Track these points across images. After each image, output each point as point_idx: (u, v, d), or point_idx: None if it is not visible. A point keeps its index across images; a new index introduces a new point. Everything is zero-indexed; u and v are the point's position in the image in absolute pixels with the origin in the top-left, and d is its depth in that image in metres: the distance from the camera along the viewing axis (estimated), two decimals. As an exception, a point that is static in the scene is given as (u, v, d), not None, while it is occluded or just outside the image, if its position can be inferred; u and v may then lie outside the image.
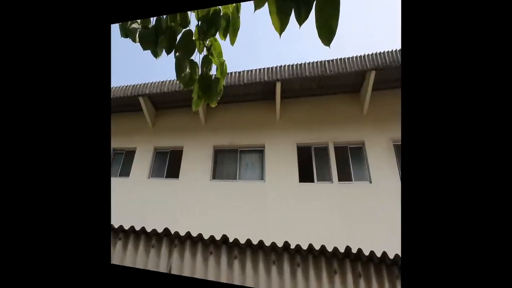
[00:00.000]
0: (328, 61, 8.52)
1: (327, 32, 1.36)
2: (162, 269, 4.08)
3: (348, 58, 8.42)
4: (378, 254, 3.69)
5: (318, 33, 1.37)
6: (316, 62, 8.63)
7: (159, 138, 12.31)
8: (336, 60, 8.46)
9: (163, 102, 12.44)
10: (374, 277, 3.62)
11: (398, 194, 7.55)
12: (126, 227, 4.52)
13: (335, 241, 4.81)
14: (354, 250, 3.80)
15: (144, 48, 1.97)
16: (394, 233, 6.49)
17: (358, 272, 3.66)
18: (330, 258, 3.71)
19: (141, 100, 11.95)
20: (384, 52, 8.00)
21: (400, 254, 3.34)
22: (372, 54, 8.20)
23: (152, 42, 1.98)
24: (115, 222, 4.98)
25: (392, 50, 7.89)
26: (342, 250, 3.94)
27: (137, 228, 4.48)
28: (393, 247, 4.30)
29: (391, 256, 3.67)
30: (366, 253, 3.68)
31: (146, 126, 12.59)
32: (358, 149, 8.88)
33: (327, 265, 3.76)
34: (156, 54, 1.99)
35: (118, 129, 12.67)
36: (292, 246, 3.96)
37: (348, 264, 3.68)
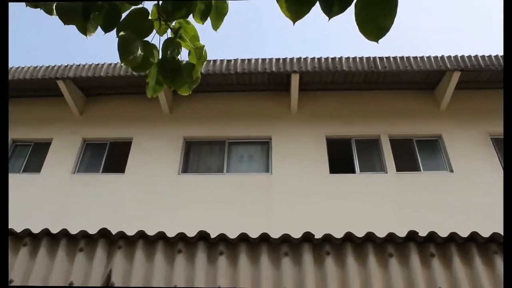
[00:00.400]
0: (385, 57, 10.37)
1: (376, 29, 1.54)
2: (96, 276, 3.45)
3: (415, 57, 10.36)
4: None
5: (362, 28, 1.55)
6: (361, 57, 10.40)
7: (91, 128, 11.13)
8: (398, 57, 10.38)
9: (98, 88, 11.41)
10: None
11: (486, 184, 9.45)
12: (37, 230, 3.92)
13: (392, 228, 4.18)
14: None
15: (65, 22, 1.88)
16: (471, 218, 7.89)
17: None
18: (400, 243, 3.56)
19: (60, 84, 10.67)
20: (464, 56, 10.28)
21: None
22: (449, 56, 10.31)
23: (76, 17, 1.88)
24: (19, 226, 4.18)
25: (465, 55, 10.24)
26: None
27: (55, 230, 3.89)
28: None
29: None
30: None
31: (70, 114, 11.25)
32: (430, 142, 10.61)
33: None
34: (85, 31, 1.90)
35: (25, 117, 11.16)
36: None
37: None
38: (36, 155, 10.47)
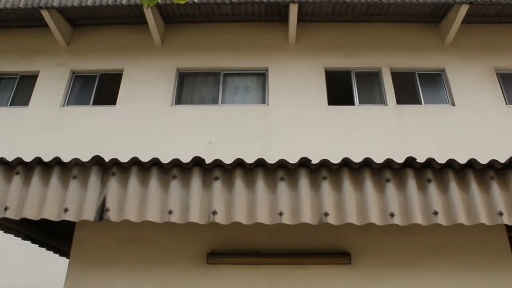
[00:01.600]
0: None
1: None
2: (91, 203, 3.53)
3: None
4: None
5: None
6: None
7: (79, 60, 10.90)
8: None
9: (86, 18, 11.12)
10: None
11: (488, 118, 9.71)
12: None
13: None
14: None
15: None
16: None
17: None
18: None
19: (45, 14, 10.32)
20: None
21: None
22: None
23: None
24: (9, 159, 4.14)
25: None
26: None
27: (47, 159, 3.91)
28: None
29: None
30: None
31: (56, 45, 11.03)
32: (432, 75, 10.66)
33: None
34: None
35: (10, 49, 10.98)
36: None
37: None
38: (23, 88, 10.35)
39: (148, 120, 9.82)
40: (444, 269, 4.03)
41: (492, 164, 3.55)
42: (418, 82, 10.44)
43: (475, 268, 4.02)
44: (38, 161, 3.77)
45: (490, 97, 10.13)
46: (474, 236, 4.09)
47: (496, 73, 10.42)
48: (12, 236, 4.72)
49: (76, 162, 3.74)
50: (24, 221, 4.30)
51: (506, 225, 4.20)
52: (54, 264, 5.79)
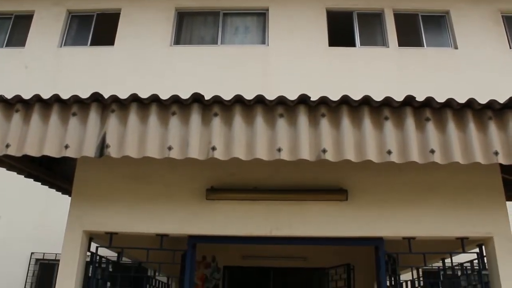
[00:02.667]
0: None
1: None
2: (91, 139, 3.56)
3: None
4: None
5: None
6: None
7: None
8: None
9: None
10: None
11: (492, 61, 9.65)
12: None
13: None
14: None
15: None
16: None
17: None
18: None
19: None
20: None
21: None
22: None
23: None
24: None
25: None
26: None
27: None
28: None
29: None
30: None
31: None
32: (436, 17, 10.51)
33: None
34: None
35: None
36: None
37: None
38: (18, 29, 10.18)
39: (147, 61, 9.72)
40: (439, 206, 4.13)
41: (491, 104, 3.54)
42: (421, 24, 10.29)
43: (469, 206, 4.12)
44: (37, 98, 3.75)
45: (494, 41, 9.98)
46: (469, 175, 4.16)
47: (502, 16, 10.23)
48: (15, 174, 4.85)
49: (75, 99, 3.72)
50: (26, 159, 4.37)
51: (501, 166, 4.31)
52: (58, 203, 5.92)
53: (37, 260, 8.39)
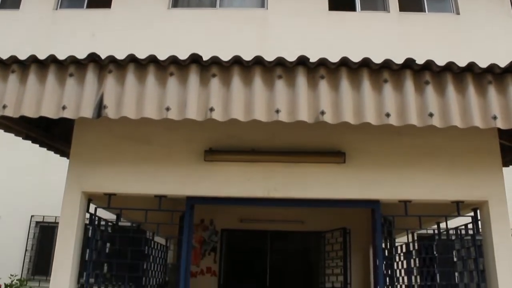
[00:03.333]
0: None
1: None
2: (88, 100, 3.55)
3: None
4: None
5: None
6: None
7: None
8: None
9: None
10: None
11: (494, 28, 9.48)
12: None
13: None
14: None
15: None
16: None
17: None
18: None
19: None
20: None
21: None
22: None
23: None
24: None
25: None
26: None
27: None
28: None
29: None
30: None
31: None
32: None
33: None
34: None
35: None
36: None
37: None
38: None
39: (144, 23, 9.55)
40: (436, 170, 4.16)
41: (492, 68, 3.51)
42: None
43: (465, 171, 4.15)
44: (33, 59, 3.69)
45: (496, 6, 9.80)
46: (467, 140, 4.17)
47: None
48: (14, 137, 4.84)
49: (72, 60, 3.67)
50: (24, 120, 4.36)
51: (499, 132, 4.31)
52: (58, 167, 5.93)
53: (37, 223, 8.47)
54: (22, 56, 3.75)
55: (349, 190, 4.16)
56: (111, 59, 3.63)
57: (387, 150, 4.23)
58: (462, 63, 3.58)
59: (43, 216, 8.31)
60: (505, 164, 4.77)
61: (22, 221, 8.36)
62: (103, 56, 3.66)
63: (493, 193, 4.08)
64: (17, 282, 6.19)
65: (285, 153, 4.16)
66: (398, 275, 5.67)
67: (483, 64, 3.56)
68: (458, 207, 4.20)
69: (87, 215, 4.40)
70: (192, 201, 4.34)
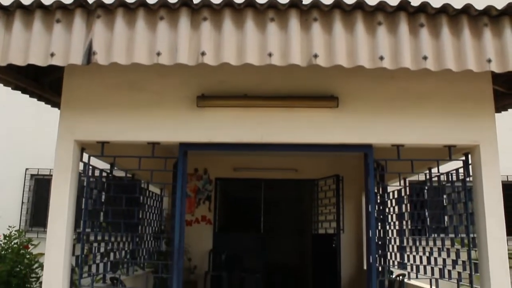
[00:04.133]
0: None
1: None
2: (77, 47, 3.45)
3: None
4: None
5: None
6: None
7: None
8: None
9: None
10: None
11: None
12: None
13: None
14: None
15: None
16: None
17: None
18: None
19: None
20: None
21: None
22: None
23: None
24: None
25: None
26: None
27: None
28: None
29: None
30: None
31: None
32: None
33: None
34: None
35: None
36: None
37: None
38: None
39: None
40: (429, 115, 4.17)
41: (488, 10, 3.43)
42: None
43: (458, 115, 4.16)
44: (17, 4, 3.57)
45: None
46: (461, 85, 4.17)
47: None
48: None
49: (58, 5, 3.56)
50: (12, 70, 4.27)
51: (493, 78, 4.27)
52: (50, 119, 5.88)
53: (32, 175, 8.53)
54: (6, 2, 3.63)
55: (342, 135, 4.17)
56: (99, 4, 3.53)
57: (380, 95, 4.22)
58: (458, 5, 3.52)
59: (38, 169, 8.36)
60: (498, 110, 4.78)
61: (17, 174, 8.41)
62: (90, 1, 3.56)
63: (484, 137, 4.11)
64: (16, 233, 6.26)
65: (278, 98, 4.14)
66: (390, 220, 5.81)
67: (479, 6, 3.50)
68: (450, 152, 4.24)
69: (81, 166, 4.38)
70: (185, 147, 4.33)
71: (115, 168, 5.07)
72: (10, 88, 4.69)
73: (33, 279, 5.98)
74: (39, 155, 8.04)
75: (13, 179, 8.42)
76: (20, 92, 4.96)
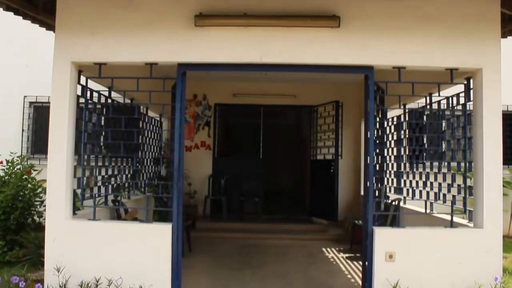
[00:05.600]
0: None
1: None
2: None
3: None
4: None
5: None
6: None
7: None
8: None
9: None
10: None
11: None
12: None
13: None
14: None
15: None
16: None
17: None
18: None
19: None
20: None
21: None
22: None
23: None
24: None
25: None
26: None
27: None
28: None
29: None
30: None
31: None
32: None
33: None
34: None
35: None
36: None
37: None
38: None
39: None
40: (432, 36, 4.03)
41: None
42: None
43: (463, 38, 4.05)
44: None
45: None
46: (467, 6, 4.02)
47: None
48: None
49: None
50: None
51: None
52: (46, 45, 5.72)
53: (30, 103, 8.44)
54: None
55: (343, 55, 4.09)
56: None
57: (382, 15, 4.08)
58: None
59: (36, 97, 8.28)
60: (504, 34, 4.64)
61: (15, 102, 8.31)
62: None
63: (488, 61, 4.04)
64: (18, 159, 6.28)
65: (278, 17, 4.01)
66: (388, 146, 5.83)
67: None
68: (452, 75, 4.16)
69: (79, 88, 4.32)
70: (184, 68, 4.24)
71: (114, 90, 4.88)
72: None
73: (38, 203, 6.10)
74: (37, 81, 7.80)
75: (12, 107, 8.24)
76: (12, 13, 4.80)
